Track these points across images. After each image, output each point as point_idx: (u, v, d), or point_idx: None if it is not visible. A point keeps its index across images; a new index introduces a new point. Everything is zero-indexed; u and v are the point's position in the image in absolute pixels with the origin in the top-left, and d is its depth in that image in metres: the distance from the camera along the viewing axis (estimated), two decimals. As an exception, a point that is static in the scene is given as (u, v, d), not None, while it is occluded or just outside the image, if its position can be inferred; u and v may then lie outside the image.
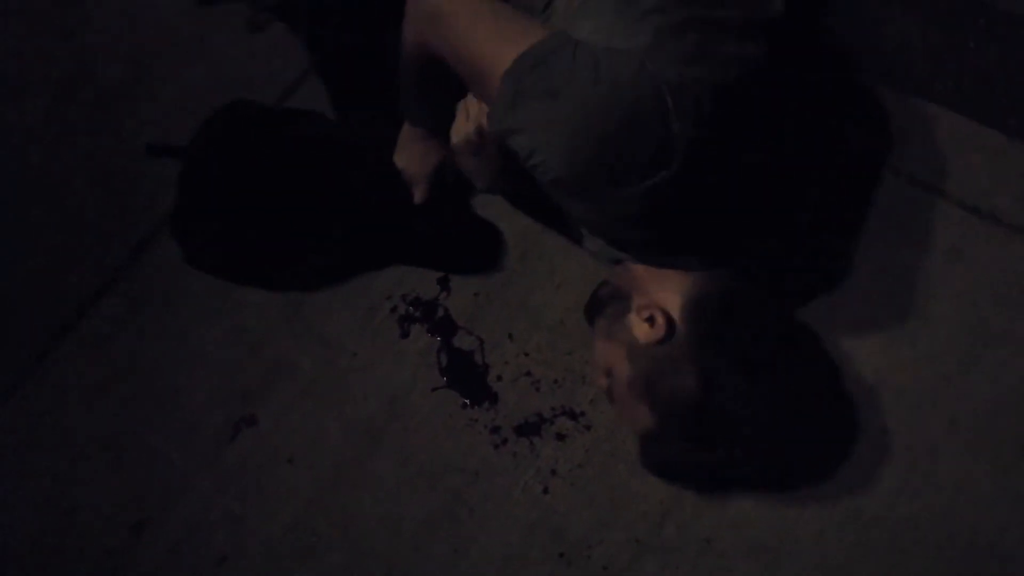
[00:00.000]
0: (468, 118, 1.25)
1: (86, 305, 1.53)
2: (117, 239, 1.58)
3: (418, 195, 1.44)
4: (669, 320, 1.13)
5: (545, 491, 1.31)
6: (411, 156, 1.42)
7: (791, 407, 1.17)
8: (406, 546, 1.31)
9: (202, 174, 1.47)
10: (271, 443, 1.39)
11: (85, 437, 1.43)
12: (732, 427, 1.12)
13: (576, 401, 1.37)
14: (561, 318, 1.43)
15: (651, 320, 1.12)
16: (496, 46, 1.10)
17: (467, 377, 1.40)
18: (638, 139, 1.04)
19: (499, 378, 1.40)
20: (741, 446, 1.14)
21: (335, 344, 1.45)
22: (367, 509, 1.34)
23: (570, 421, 1.36)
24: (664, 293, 1.15)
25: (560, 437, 1.35)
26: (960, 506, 1.24)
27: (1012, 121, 1.44)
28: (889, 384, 1.31)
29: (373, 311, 1.47)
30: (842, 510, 1.26)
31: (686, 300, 1.14)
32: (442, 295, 1.46)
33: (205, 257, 1.50)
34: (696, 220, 1.16)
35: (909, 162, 1.44)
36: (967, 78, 1.46)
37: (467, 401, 1.38)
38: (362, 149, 1.48)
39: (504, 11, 1.14)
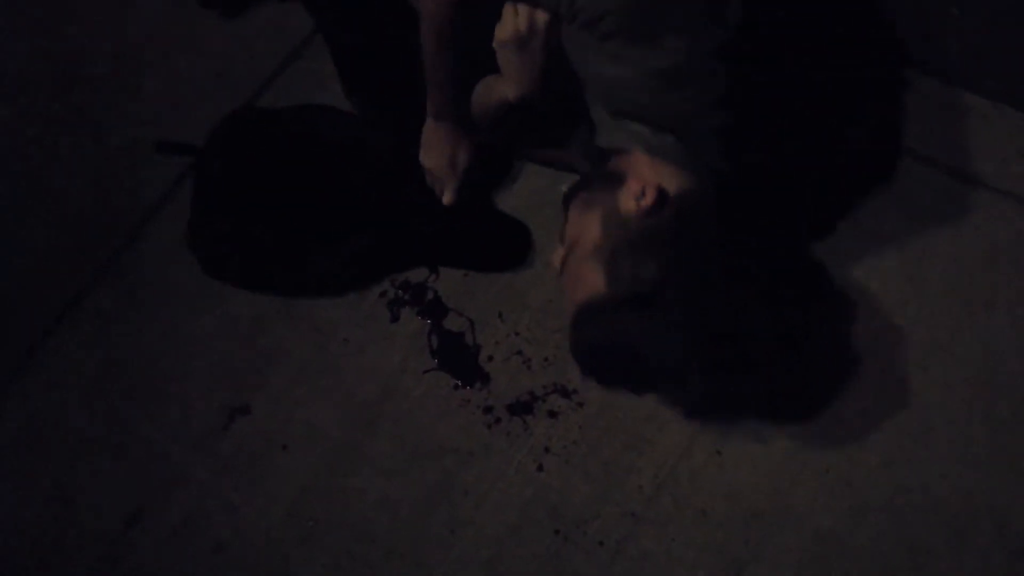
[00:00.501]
0: (517, 14, 1.20)
1: (80, 298, 1.53)
2: (108, 232, 1.58)
3: (448, 196, 1.43)
4: (663, 197, 1.10)
5: (540, 469, 1.32)
6: (439, 155, 1.40)
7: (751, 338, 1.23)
8: (403, 528, 1.31)
9: (214, 183, 1.47)
10: (266, 430, 1.40)
11: (80, 429, 1.43)
12: (671, 324, 1.10)
13: (568, 378, 1.37)
14: (550, 297, 1.43)
15: (641, 195, 1.10)
16: None
17: (458, 358, 1.40)
18: None
19: (490, 358, 1.40)
20: (671, 349, 1.12)
21: (326, 330, 1.45)
22: (363, 492, 1.34)
23: (562, 399, 1.36)
24: (660, 181, 1.12)
25: (553, 415, 1.35)
26: (954, 469, 1.24)
27: (993, 85, 1.44)
28: (880, 350, 1.31)
29: (363, 296, 1.47)
30: (836, 477, 1.26)
31: (681, 192, 1.12)
32: (431, 277, 1.47)
33: (224, 266, 1.49)
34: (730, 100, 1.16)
35: (895, 130, 1.43)
36: (950, 44, 1.45)
37: (459, 382, 1.39)
38: (369, 147, 1.48)
39: None
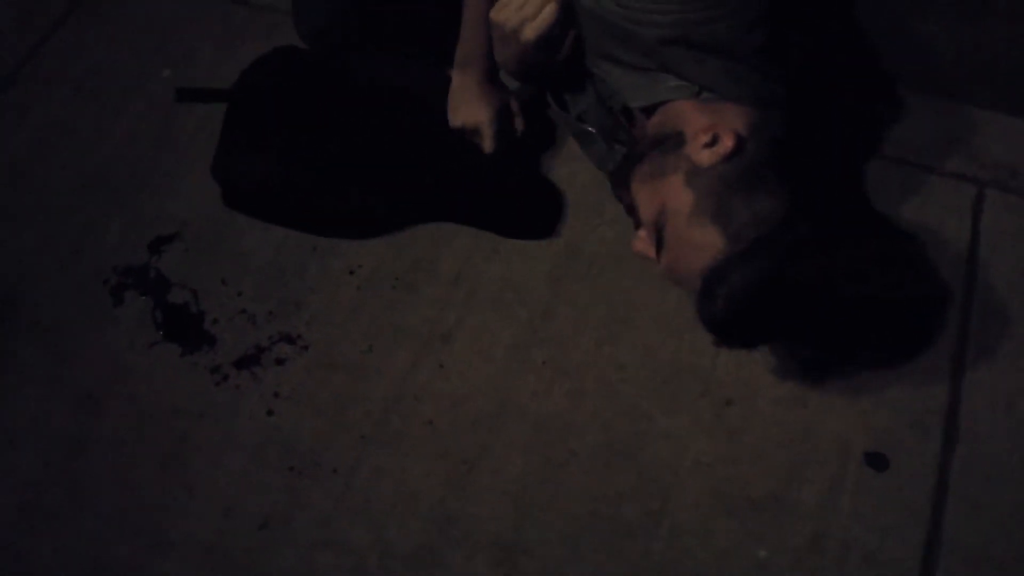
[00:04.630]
0: None
1: None
2: None
3: (487, 145, 1.36)
4: (737, 136, 1.05)
5: (270, 413, 1.32)
6: (470, 108, 1.34)
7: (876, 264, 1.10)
8: (139, 498, 1.28)
9: (252, 113, 1.45)
10: (-11, 434, 1.35)
11: None
12: (817, 252, 1.03)
13: (292, 326, 1.39)
14: (272, 257, 1.45)
15: (714, 141, 1.05)
16: None
17: (183, 327, 1.40)
18: None
19: (215, 321, 1.40)
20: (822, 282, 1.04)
21: (48, 327, 1.42)
22: (97, 473, 1.31)
23: (288, 345, 1.37)
24: (722, 120, 1.08)
25: (280, 362, 1.36)
26: (658, 339, 1.31)
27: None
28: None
29: (83, 288, 1.45)
30: (553, 367, 1.33)
31: (749, 122, 1.08)
32: (153, 259, 1.47)
33: (248, 198, 1.47)
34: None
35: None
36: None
37: (185, 349, 1.38)
38: (422, 95, 1.44)
39: None
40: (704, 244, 1.05)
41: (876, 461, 1.25)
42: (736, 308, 1.05)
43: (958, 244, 1.42)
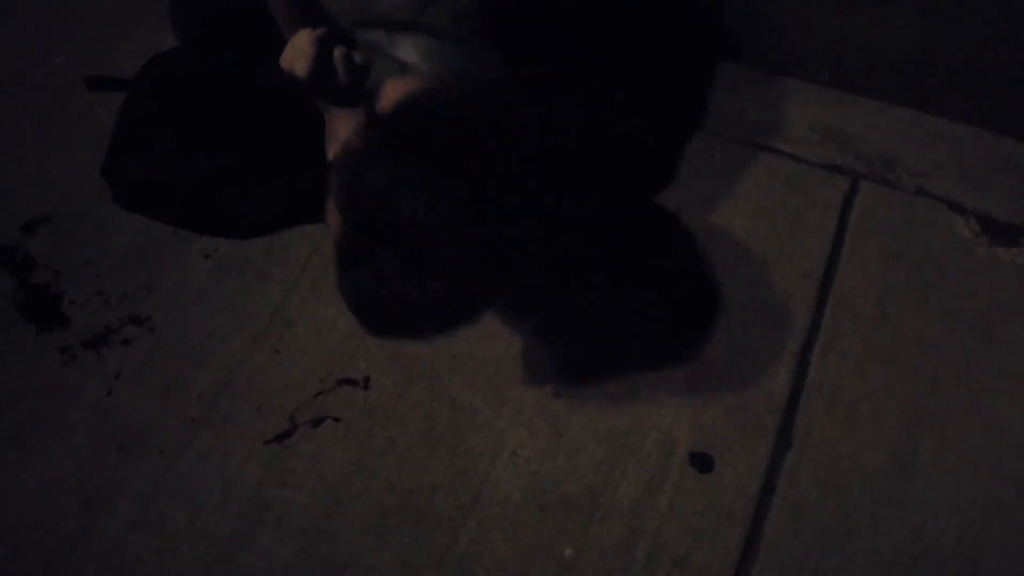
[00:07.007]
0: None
1: None
2: None
3: (307, 65, 1.26)
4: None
5: (109, 394, 1.33)
6: (292, 48, 1.27)
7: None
8: (-21, 474, 1.30)
9: (145, 111, 1.47)
10: None
11: None
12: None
13: (142, 308, 1.40)
14: (133, 239, 1.47)
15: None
16: None
17: (41, 308, 1.42)
18: None
19: (72, 302, 1.42)
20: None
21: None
22: (-56, 449, 1.34)
23: (136, 327, 1.39)
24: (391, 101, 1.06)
25: (126, 343, 1.37)
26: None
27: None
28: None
29: (-45, 268, 1.48)
30: (387, 356, 1.32)
31: (404, 95, 1.04)
32: (23, 239, 1.49)
33: (139, 197, 1.48)
34: None
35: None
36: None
37: (39, 329, 1.40)
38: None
39: None
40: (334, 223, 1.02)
41: (700, 461, 1.21)
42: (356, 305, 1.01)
43: (821, 238, 1.37)
